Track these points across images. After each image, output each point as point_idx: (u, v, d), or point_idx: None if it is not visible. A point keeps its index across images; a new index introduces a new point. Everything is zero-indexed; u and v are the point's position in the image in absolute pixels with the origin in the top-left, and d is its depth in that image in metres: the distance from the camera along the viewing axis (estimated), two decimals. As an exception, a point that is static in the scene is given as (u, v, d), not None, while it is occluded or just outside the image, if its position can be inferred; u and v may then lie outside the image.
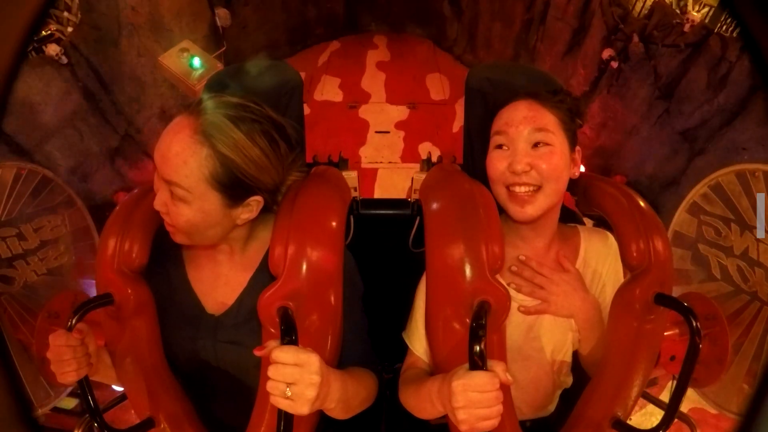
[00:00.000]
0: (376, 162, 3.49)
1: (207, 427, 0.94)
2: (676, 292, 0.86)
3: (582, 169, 0.96)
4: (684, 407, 0.85)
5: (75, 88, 2.47)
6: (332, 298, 0.83)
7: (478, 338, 0.69)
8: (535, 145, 0.87)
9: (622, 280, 0.95)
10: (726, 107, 2.40)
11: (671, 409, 0.79)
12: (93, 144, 2.60)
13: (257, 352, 0.70)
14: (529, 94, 0.91)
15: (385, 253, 1.27)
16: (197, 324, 0.91)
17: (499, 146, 0.90)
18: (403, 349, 0.97)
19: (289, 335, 0.70)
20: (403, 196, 1.39)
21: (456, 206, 0.87)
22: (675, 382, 0.82)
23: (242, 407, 0.87)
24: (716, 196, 1.78)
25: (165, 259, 0.93)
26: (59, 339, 0.77)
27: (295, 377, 0.66)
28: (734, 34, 2.44)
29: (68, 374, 0.78)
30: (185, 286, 0.93)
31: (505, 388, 0.71)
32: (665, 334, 0.90)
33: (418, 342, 0.93)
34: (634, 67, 2.74)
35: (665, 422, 0.78)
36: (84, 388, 0.80)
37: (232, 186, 0.79)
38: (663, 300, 0.82)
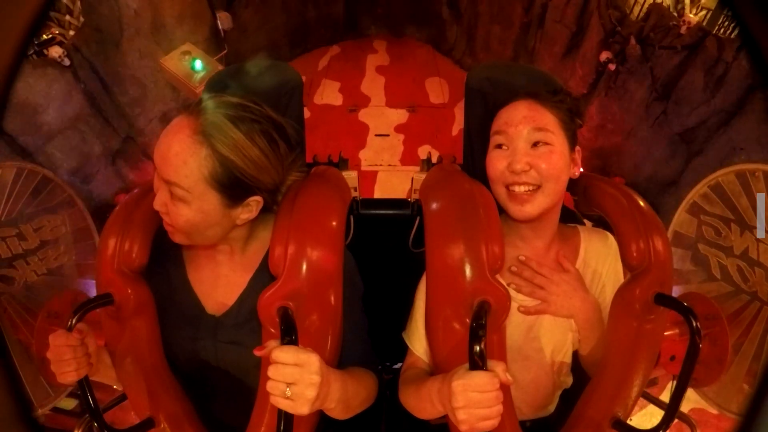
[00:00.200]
0: (376, 165, 3.52)
1: (207, 427, 0.94)
2: (676, 292, 0.87)
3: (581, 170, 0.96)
4: (684, 408, 0.85)
5: (77, 89, 2.48)
6: (332, 298, 0.83)
7: (478, 338, 0.69)
8: (535, 144, 0.87)
9: (622, 280, 0.95)
10: (723, 108, 2.42)
11: (671, 409, 0.79)
12: (95, 146, 2.61)
13: (257, 352, 0.70)
14: (528, 93, 0.91)
15: (385, 253, 1.27)
16: (197, 324, 0.91)
17: (499, 146, 0.90)
18: (403, 349, 0.97)
19: (289, 335, 0.70)
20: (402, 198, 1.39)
21: (456, 206, 0.87)
22: (675, 382, 0.82)
23: (242, 407, 0.87)
24: (716, 196, 1.78)
25: (165, 260, 0.93)
26: (59, 339, 0.77)
27: (295, 377, 0.66)
28: (731, 36, 2.45)
29: (68, 374, 0.78)
30: (185, 287, 0.93)
31: (505, 388, 0.71)
32: (665, 334, 0.90)
33: (418, 342, 0.93)
34: (631, 69, 2.76)
35: (665, 422, 0.78)
36: (84, 388, 0.80)
37: (232, 186, 0.79)
38: (663, 300, 0.82)
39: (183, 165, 0.76)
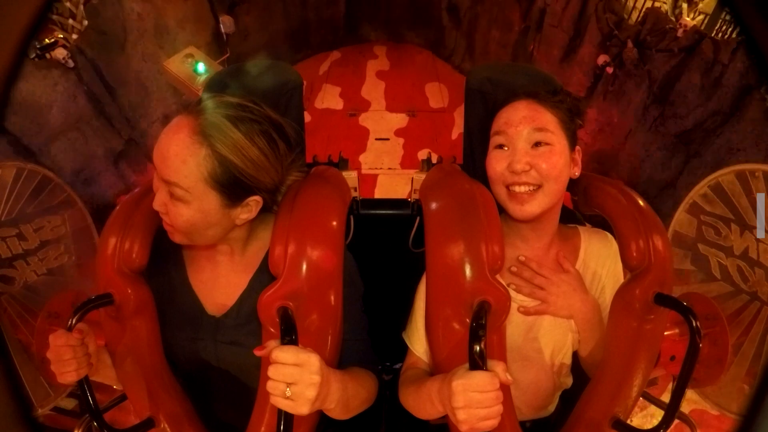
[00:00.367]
0: (376, 168, 3.56)
1: (207, 427, 0.94)
2: (676, 292, 0.86)
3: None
4: (685, 408, 0.85)
5: (80, 91, 2.49)
6: (332, 298, 0.83)
7: (478, 338, 0.69)
8: (535, 144, 0.87)
9: (621, 281, 0.95)
10: (720, 109, 2.45)
11: (671, 409, 0.79)
12: (97, 147, 2.62)
13: (257, 352, 0.70)
14: (528, 93, 0.91)
15: (385, 253, 1.27)
16: (197, 325, 0.91)
17: (499, 146, 0.90)
18: (403, 349, 0.97)
19: (289, 335, 0.70)
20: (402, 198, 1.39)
21: (456, 206, 0.87)
22: (675, 382, 0.82)
23: (242, 407, 0.87)
24: (716, 196, 1.78)
25: (165, 260, 0.93)
26: (59, 339, 0.77)
27: (295, 377, 0.66)
28: (730, 38, 2.48)
29: (68, 374, 0.78)
30: (185, 287, 0.93)
31: (505, 388, 0.72)
32: (665, 334, 0.90)
33: (418, 342, 0.93)
34: (629, 73, 2.79)
35: (665, 422, 0.78)
36: (84, 388, 0.80)
37: (231, 186, 0.79)
38: (663, 300, 0.82)
39: (182, 165, 0.76)
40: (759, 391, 0.45)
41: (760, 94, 2.28)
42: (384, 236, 1.28)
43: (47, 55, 2.31)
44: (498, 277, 0.82)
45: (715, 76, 2.42)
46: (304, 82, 1.04)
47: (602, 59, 2.87)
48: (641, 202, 0.90)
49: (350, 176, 1.16)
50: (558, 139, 0.87)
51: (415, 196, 1.20)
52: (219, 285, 0.92)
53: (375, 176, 3.49)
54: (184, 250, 0.94)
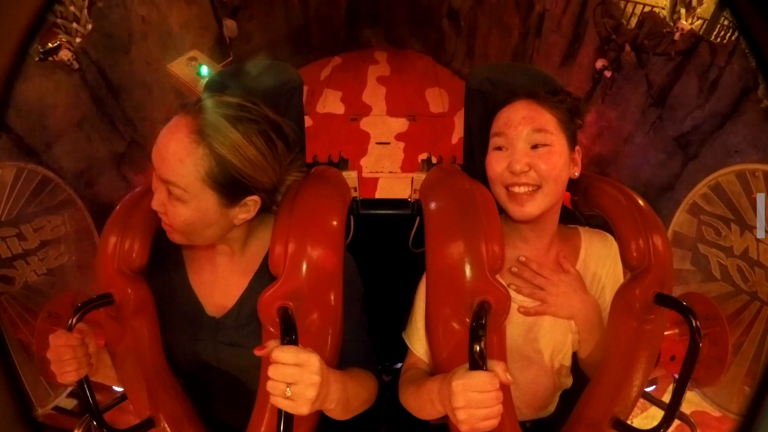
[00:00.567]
0: (377, 172, 3.61)
1: (207, 427, 0.94)
2: (676, 292, 0.86)
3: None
4: (686, 410, 0.84)
5: (84, 93, 2.51)
6: (332, 298, 0.83)
7: (478, 338, 0.69)
8: (534, 146, 0.87)
9: (622, 281, 0.95)
10: (717, 111, 2.47)
11: (671, 409, 0.78)
12: (100, 149, 2.64)
13: (257, 352, 0.70)
14: (528, 94, 0.91)
15: (385, 253, 1.27)
16: (197, 326, 0.91)
17: (499, 148, 0.90)
18: (403, 349, 0.97)
19: (289, 335, 0.70)
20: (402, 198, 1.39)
21: (456, 206, 0.87)
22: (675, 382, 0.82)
23: (242, 407, 0.87)
24: (716, 196, 1.78)
25: (165, 261, 0.93)
26: (59, 339, 0.77)
27: (296, 377, 0.66)
28: (725, 41, 2.51)
29: (68, 374, 0.78)
30: (186, 288, 0.93)
31: (505, 388, 0.72)
32: (665, 334, 0.90)
33: (418, 342, 0.93)
34: (627, 76, 2.82)
35: (665, 421, 0.78)
36: (84, 388, 0.80)
37: (229, 185, 0.79)
38: (663, 300, 0.81)
39: (180, 164, 0.76)
40: (759, 391, 0.45)
41: (757, 96, 2.29)
42: (384, 236, 1.28)
43: (51, 58, 2.32)
44: (498, 277, 0.82)
45: (712, 78, 2.45)
46: (306, 87, 1.04)
47: (600, 63, 2.89)
48: (641, 202, 0.90)
49: (350, 176, 1.16)
50: (557, 139, 0.87)
51: (415, 196, 1.20)
52: (219, 286, 0.92)
53: (376, 179, 3.53)
54: (184, 250, 0.94)
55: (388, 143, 3.83)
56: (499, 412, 0.67)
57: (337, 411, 0.80)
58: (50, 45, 2.39)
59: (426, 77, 4.45)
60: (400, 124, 3.99)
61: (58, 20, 2.41)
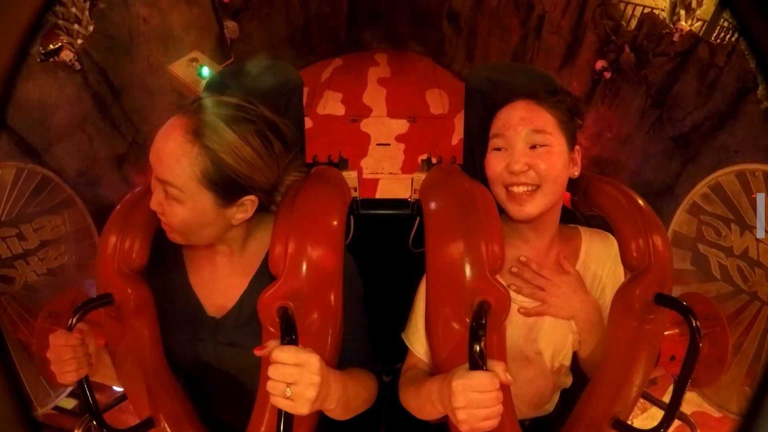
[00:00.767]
0: (377, 173, 3.62)
1: (207, 427, 0.94)
2: (676, 292, 0.86)
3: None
4: (687, 410, 0.84)
5: (86, 93, 2.51)
6: (332, 298, 0.83)
7: (478, 338, 0.68)
8: (533, 146, 0.87)
9: (622, 281, 0.95)
10: (716, 112, 2.48)
11: (671, 409, 0.78)
12: (101, 149, 2.65)
13: (257, 352, 0.70)
14: (527, 94, 0.91)
15: (385, 253, 1.27)
16: (198, 326, 0.91)
17: (498, 149, 0.90)
18: (403, 350, 0.97)
19: (289, 335, 0.70)
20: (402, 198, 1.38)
21: (456, 206, 0.87)
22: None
23: (242, 408, 0.87)
24: (716, 196, 1.78)
25: (165, 261, 0.93)
26: (59, 339, 0.77)
27: (296, 377, 0.66)
28: (723, 42, 2.52)
29: (68, 374, 0.78)
30: (186, 288, 0.93)
31: (505, 388, 0.71)
32: (665, 334, 0.90)
33: (418, 343, 0.93)
34: (626, 77, 2.83)
35: (665, 421, 0.78)
36: (84, 388, 0.80)
37: (225, 185, 0.79)
38: (663, 300, 0.81)
39: (176, 164, 0.76)
40: (759, 391, 0.45)
41: (757, 97, 2.29)
42: (384, 236, 1.28)
43: (53, 59, 2.33)
44: (498, 277, 0.82)
45: (712, 79, 2.46)
46: (306, 89, 1.04)
47: (600, 64, 2.90)
48: (641, 202, 0.90)
49: (350, 176, 1.16)
50: (557, 139, 0.87)
51: (415, 196, 1.20)
52: (219, 286, 0.92)
53: (376, 180, 3.54)
54: (184, 250, 0.94)
55: (389, 144, 3.85)
56: (499, 412, 0.67)
57: (337, 411, 0.80)
58: (52, 46, 2.40)
59: (426, 79, 4.47)
60: (401, 126, 4.01)
61: (60, 21, 2.42)
